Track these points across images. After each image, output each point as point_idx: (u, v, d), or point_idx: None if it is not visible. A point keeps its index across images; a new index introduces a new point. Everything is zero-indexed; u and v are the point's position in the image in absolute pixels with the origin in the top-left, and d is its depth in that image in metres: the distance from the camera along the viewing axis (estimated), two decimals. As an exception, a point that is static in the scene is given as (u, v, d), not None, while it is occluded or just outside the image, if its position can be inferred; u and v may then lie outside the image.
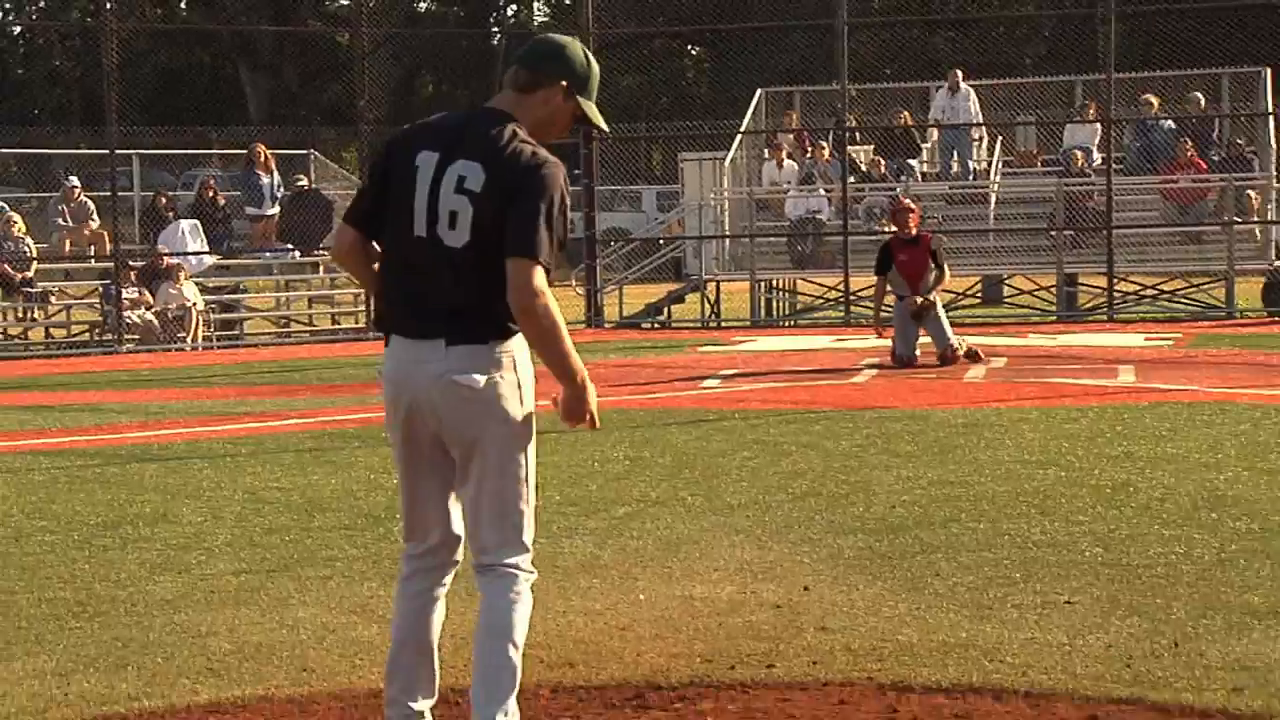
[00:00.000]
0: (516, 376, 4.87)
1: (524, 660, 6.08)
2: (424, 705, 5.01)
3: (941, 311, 17.57)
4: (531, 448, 4.95)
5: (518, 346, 4.86)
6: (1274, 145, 25.44)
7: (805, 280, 27.21)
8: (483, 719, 4.81)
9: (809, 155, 27.64)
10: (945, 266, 17.94)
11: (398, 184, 4.88)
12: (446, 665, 5.32)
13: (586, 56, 4.99)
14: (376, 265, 5.02)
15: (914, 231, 17.83)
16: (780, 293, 27.62)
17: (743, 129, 27.91)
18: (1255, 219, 25.03)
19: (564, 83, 4.92)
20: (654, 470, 10.74)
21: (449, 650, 5.50)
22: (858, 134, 27.97)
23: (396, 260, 4.92)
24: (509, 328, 4.82)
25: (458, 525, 5.03)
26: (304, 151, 29.07)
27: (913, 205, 18.47)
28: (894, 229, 18.41)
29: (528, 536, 4.94)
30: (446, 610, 5.14)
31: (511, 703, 4.84)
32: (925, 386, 15.65)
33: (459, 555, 5.09)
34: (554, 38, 5.14)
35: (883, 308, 17.92)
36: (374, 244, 5.02)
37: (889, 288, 17.74)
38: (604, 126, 5.11)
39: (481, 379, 4.79)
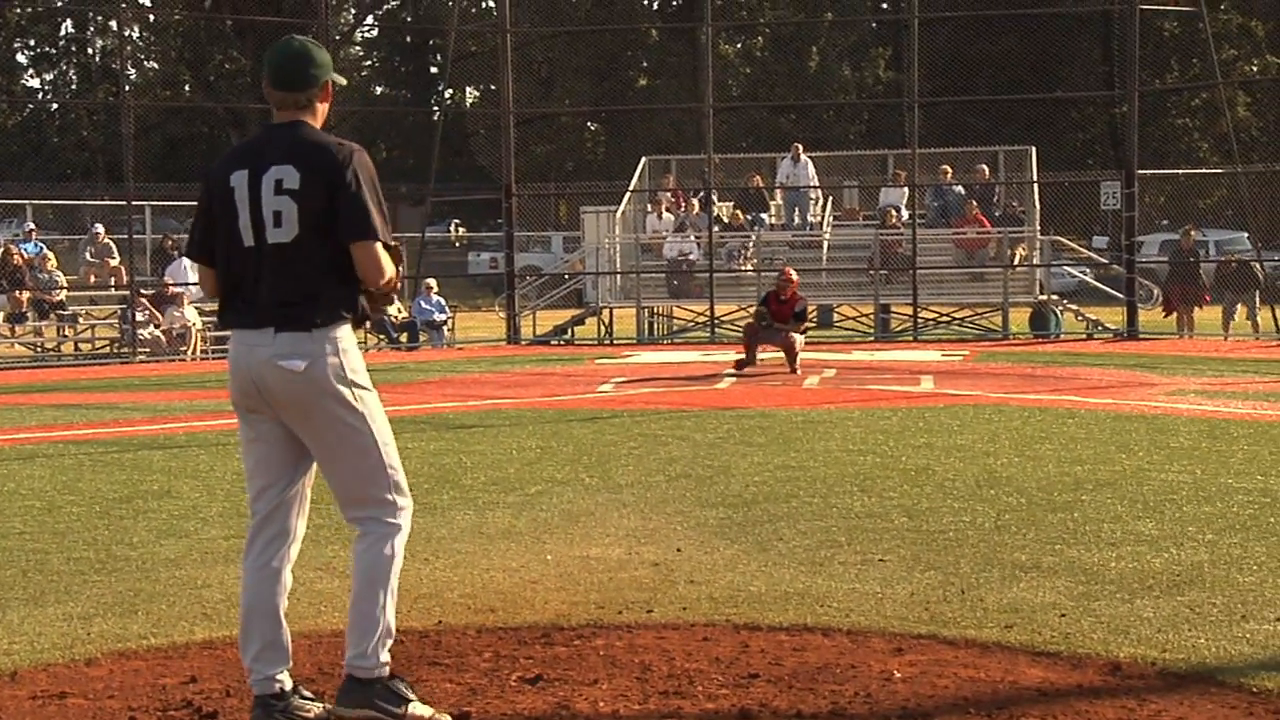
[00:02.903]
0: (340, 359, 4.39)
1: (455, 607, 6.08)
2: (279, 670, 4.50)
3: (798, 340, 17.95)
4: (370, 419, 4.47)
5: (343, 333, 4.43)
6: (1038, 206, 25.87)
7: (679, 307, 27.26)
8: (346, 660, 4.48)
9: (683, 209, 27.70)
10: (805, 318, 18.55)
11: (219, 208, 4.45)
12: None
13: (319, 48, 4.55)
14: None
15: (788, 295, 18.24)
16: (660, 317, 27.65)
17: (631, 188, 27.96)
18: (1023, 264, 25.42)
19: (327, 81, 4.53)
20: (559, 457, 10.70)
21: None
22: (720, 193, 28.11)
23: (231, 270, 4.47)
24: (334, 314, 4.40)
25: (291, 499, 4.58)
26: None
27: (794, 278, 18.84)
28: (776, 289, 18.72)
29: (392, 494, 4.50)
30: (293, 580, 4.62)
31: (370, 645, 4.43)
32: (773, 391, 15.73)
33: (293, 528, 4.59)
34: (293, 51, 4.54)
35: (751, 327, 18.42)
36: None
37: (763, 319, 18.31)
38: (342, 81, 4.67)
39: (302, 363, 4.35)
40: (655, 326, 27.33)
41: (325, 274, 4.40)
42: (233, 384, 4.52)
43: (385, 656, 4.50)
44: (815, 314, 26.93)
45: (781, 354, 17.88)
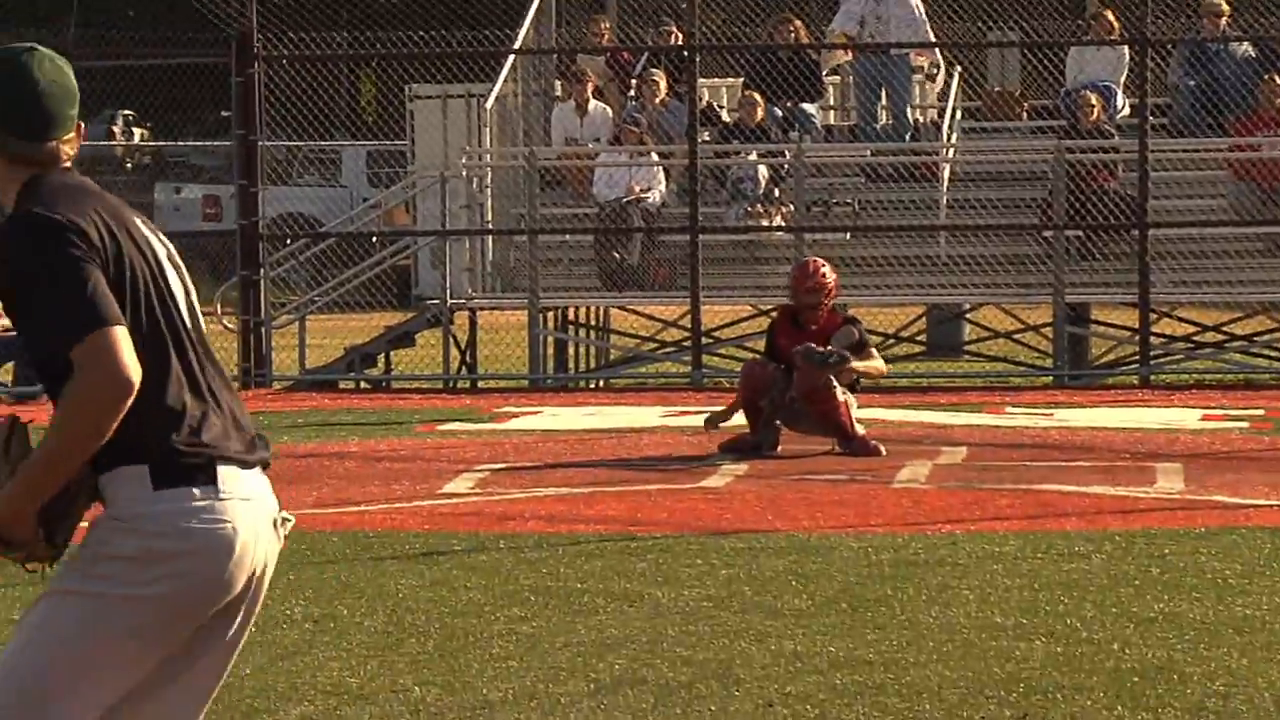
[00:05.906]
0: None
1: None
2: None
3: (850, 398, 18.05)
4: None
5: None
6: None
7: (624, 309, 27.35)
8: None
9: (632, 94, 27.82)
10: (866, 344, 18.76)
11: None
12: None
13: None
14: None
15: (820, 318, 18.34)
16: (581, 329, 27.75)
17: (518, 45, 27.96)
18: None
19: None
20: (354, 638, 10.68)
21: None
22: (716, 60, 28.21)
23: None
24: None
25: None
26: None
27: (828, 279, 18.62)
28: (793, 304, 18.70)
29: None
30: None
31: None
32: (829, 494, 15.79)
33: None
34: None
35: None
36: None
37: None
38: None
39: None
40: (570, 351, 27.45)
41: None
42: (240, 570, 5.36)
43: None
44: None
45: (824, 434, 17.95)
